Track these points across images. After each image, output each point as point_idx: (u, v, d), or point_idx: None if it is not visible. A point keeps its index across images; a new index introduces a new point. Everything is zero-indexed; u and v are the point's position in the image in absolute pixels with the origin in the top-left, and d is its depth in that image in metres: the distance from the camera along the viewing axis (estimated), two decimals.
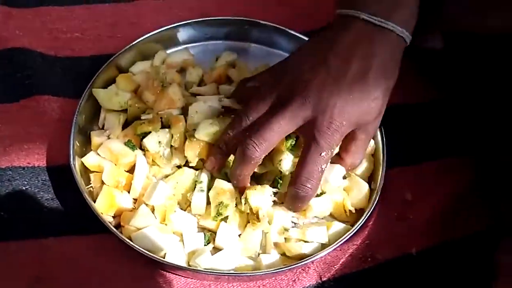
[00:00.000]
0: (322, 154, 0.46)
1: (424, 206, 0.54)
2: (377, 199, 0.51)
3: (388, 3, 0.47)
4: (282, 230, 0.50)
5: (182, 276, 0.48)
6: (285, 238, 0.50)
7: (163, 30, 0.60)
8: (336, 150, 0.50)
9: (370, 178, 0.54)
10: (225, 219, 0.50)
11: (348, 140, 0.49)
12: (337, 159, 0.51)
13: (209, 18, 0.63)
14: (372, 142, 0.55)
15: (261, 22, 0.63)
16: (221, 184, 0.50)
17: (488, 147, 0.57)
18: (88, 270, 0.48)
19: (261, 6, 0.67)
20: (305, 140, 0.47)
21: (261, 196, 0.49)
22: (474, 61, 0.58)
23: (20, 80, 0.58)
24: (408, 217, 0.53)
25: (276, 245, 0.50)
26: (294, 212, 0.50)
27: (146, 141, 0.52)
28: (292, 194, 0.47)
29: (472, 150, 0.57)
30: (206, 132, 0.50)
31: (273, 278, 0.49)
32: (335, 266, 0.50)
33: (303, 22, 0.65)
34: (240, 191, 0.50)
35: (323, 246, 0.49)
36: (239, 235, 0.50)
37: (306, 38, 0.61)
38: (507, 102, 0.55)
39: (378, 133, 0.55)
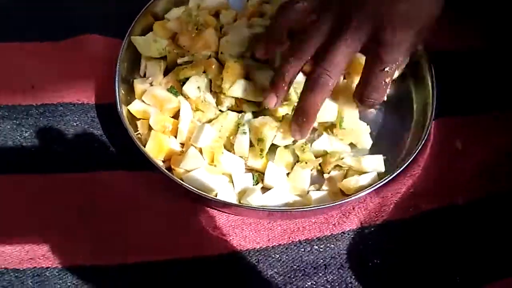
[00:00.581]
0: (386, 69, 0.45)
1: (474, 156, 0.52)
2: (421, 145, 0.49)
3: None
4: (337, 158, 0.50)
5: (231, 213, 0.50)
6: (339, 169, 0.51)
7: None
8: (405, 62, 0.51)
9: (416, 126, 0.53)
10: (272, 156, 0.50)
11: None
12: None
13: None
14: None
15: None
16: (255, 122, 0.50)
17: None
18: (134, 203, 0.50)
19: None
20: (369, 56, 0.47)
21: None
22: None
23: (67, 20, 0.59)
24: (456, 167, 0.51)
25: (329, 180, 0.51)
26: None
27: (186, 88, 0.52)
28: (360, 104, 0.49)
29: None
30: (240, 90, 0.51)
31: (313, 220, 0.50)
32: (377, 214, 0.50)
33: None
34: (307, 123, 0.48)
35: (380, 177, 0.49)
36: (287, 174, 0.50)
37: None
38: None
39: (429, 78, 0.53)
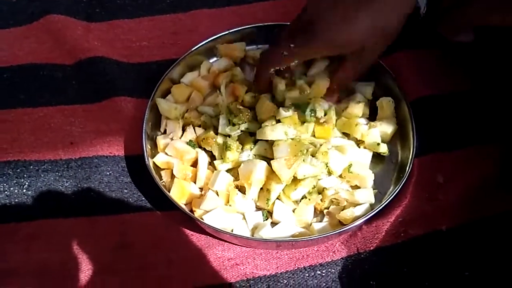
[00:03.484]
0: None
1: (455, 188, 0.59)
2: (405, 178, 0.57)
3: None
4: (334, 193, 0.58)
5: (244, 246, 0.57)
6: (333, 201, 0.58)
7: (205, 44, 0.68)
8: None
9: (401, 164, 0.61)
10: (276, 199, 0.58)
11: None
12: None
13: (243, 27, 0.70)
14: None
15: None
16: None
17: None
18: (160, 240, 0.57)
19: None
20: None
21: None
22: (502, 53, 0.61)
23: (100, 84, 0.69)
24: (439, 198, 0.58)
25: (329, 214, 0.58)
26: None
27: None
28: None
29: (499, 137, 0.61)
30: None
31: (316, 248, 0.57)
32: (371, 240, 0.57)
33: None
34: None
35: (372, 207, 0.57)
36: (293, 210, 0.58)
37: None
38: None
39: (409, 120, 0.61)
